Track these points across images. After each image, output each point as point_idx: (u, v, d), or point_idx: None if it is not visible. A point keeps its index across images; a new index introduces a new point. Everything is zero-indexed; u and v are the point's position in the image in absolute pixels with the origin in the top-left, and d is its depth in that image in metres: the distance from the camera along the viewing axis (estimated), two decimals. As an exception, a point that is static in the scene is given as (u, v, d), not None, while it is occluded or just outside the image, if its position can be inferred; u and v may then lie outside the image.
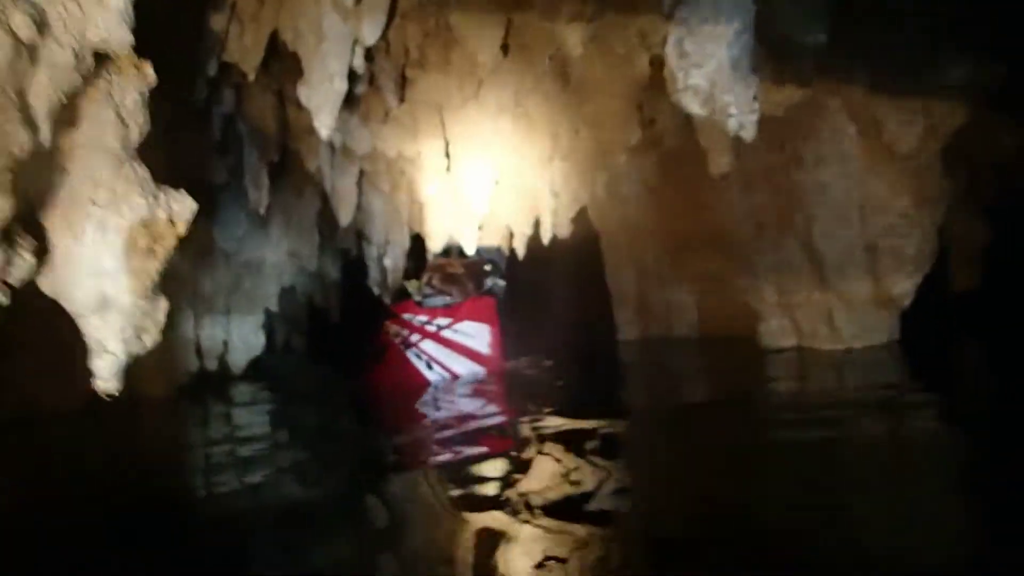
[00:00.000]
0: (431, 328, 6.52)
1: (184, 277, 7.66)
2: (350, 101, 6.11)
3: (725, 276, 7.64)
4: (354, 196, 8.01)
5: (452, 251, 8.12)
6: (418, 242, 9.13)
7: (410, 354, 6.42)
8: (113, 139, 2.27)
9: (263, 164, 7.12)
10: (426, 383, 6.39)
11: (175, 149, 4.78)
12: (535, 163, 7.96)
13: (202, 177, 6.65)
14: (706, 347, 8.30)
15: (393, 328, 6.59)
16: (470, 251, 8.19)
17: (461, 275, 7.38)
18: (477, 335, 6.62)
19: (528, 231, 9.06)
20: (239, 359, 8.92)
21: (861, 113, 5.97)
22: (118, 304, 2.30)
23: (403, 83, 6.87)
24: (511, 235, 8.95)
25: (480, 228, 8.32)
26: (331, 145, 7.41)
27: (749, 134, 4.28)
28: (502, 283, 8.03)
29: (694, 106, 4.28)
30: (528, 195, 8.36)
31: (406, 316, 6.67)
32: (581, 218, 8.70)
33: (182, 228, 2.38)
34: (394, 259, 9.70)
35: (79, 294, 2.26)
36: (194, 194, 2.44)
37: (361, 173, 8.13)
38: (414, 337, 6.51)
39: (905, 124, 5.78)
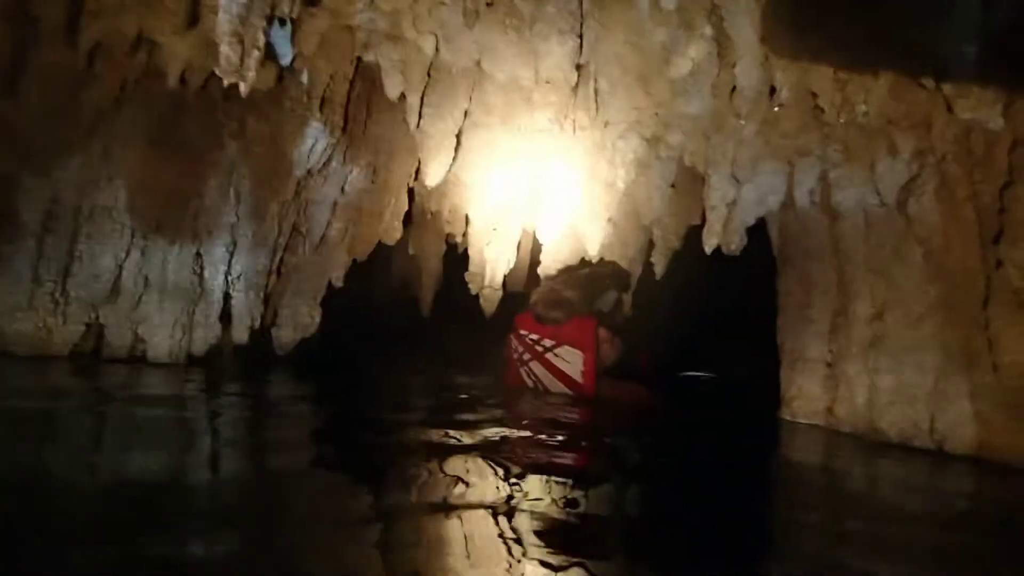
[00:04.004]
0: (539, 348, 6.46)
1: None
2: None
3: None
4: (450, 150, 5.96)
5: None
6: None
7: (523, 373, 6.57)
8: None
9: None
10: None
11: None
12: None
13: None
14: (988, 479, 4.31)
15: (514, 343, 6.71)
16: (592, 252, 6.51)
17: (571, 298, 6.74)
18: (573, 361, 6.29)
19: (677, 241, 6.73)
20: (287, 337, 7.23)
21: None
22: None
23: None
24: (650, 242, 6.68)
25: (610, 221, 6.13)
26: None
27: None
28: (615, 295, 7.18)
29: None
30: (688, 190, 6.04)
31: (523, 332, 6.64)
32: (758, 232, 6.11)
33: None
34: (500, 250, 7.62)
35: None
36: None
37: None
38: (526, 356, 6.54)
39: None
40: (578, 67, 4.07)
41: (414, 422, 4.49)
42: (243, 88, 3.04)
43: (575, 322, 6.44)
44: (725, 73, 4.00)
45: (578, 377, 6.28)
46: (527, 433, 4.21)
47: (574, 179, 5.77)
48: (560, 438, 4.19)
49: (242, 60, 2.96)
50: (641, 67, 4.07)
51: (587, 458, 3.91)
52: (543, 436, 4.17)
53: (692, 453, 4.26)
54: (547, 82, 3.78)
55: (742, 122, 4.16)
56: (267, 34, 3.03)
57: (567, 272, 7.01)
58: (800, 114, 4.21)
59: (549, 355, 6.40)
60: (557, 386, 6.35)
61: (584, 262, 7.06)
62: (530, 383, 6.49)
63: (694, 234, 7.30)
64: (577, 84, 4.19)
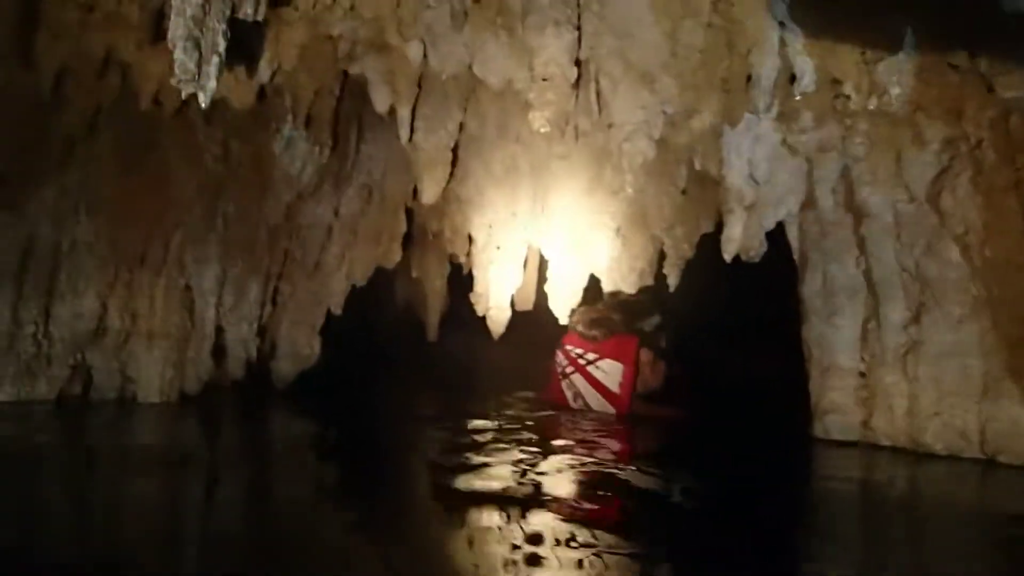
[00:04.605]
0: (581, 361, 6.64)
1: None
2: None
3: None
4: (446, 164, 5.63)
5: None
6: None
7: (564, 385, 6.74)
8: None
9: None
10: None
11: None
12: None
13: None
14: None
15: (559, 356, 6.83)
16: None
17: (612, 317, 6.85)
18: (611, 372, 6.49)
19: (690, 250, 6.39)
20: (286, 370, 6.90)
21: None
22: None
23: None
24: (660, 253, 6.36)
25: (618, 232, 5.79)
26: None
27: None
28: (658, 319, 7.28)
29: None
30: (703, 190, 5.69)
31: (568, 347, 6.79)
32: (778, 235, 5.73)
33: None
34: (505, 269, 7.32)
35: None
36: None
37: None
38: (569, 368, 6.70)
39: None
40: (577, 64, 3.74)
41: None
42: (202, 99, 2.73)
43: (617, 338, 6.66)
44: (737, 63, 3.66)
45: (615, 388, 6.47)
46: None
47: (578, 189, 5.44)
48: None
49: (199, 67, 2.66)
50: (645, 62, 3.74)
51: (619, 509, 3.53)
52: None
53: (733, 490, 3.86)
54: (544, 79, 3.46)
55: (760, 115, 3.81)
56: (227, 38, 2.72)
57: (610, 297, 7.05)
58: (820, 104, 3.86)
59: (590, 367, 6.61)
60: (594, 397, 6.55)
61: (618, 293, 7.01)
62: (569, 395, 6.70)
63: (705, 243, 7.00)
64: (577, 83, 3.87)
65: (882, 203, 4.67)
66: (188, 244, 5.87)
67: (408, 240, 7.96)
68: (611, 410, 6.44)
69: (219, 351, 6.30)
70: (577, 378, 6.67)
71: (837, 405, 5.37)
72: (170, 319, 5.80)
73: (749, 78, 3.54)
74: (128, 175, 5.49)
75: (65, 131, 4.86)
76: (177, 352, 5.86)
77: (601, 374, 6.54)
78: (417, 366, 10.75)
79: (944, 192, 4.29)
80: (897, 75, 3.00)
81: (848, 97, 3.21)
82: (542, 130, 3.63)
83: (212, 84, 2.72)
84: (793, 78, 3.29)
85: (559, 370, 6.80)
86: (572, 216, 5.99)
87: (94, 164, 5.36)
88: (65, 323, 5.56)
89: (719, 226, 6.79)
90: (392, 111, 4.98)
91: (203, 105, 2.74)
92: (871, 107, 3.37)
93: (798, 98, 3.15)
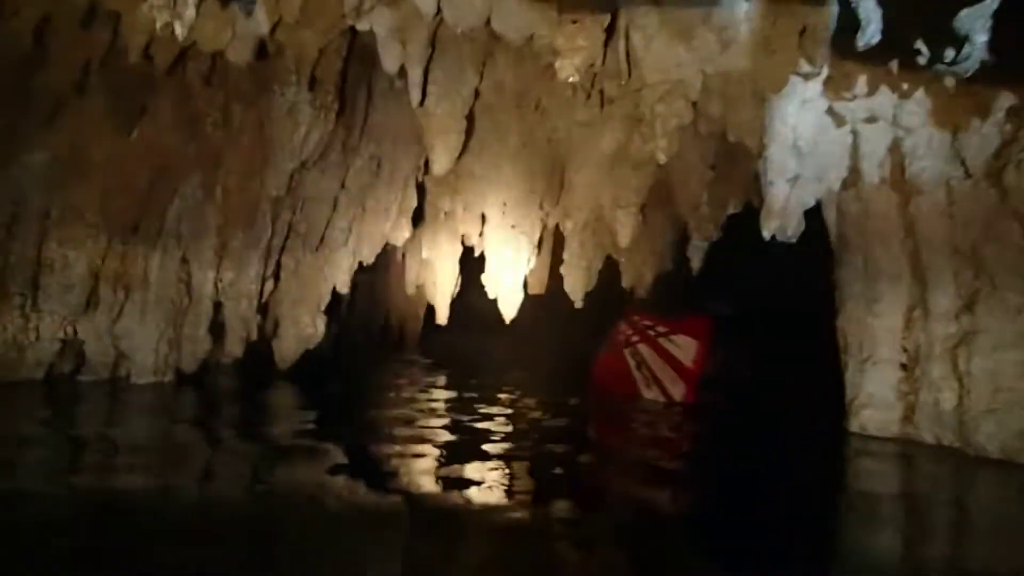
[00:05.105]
0: (651, 333, 6.77)
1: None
2: None
3: None
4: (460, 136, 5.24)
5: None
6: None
7: (628, 352, 6.84)
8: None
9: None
10: (634, 390, 6.67)
11: None
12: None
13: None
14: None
15: (623, 327, 7.00)
16: None
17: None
18: (685, 347, 6.56)
19: (716, 232, 6.01)
20: (288, 349, 6.58)
21: None
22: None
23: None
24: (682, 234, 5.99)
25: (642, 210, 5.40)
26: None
27: None
28: (724, 306, 7.69)
29: None
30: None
31: (635, 317, 6.99)
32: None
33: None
34: (518, 250, 6.99)
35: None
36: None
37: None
38: (635, 338, 6.85)
39: None
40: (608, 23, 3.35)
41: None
42: (179, 30, 2.39)
43: (693, 316, 6.77)
44: (786, 19, 3.26)
45: (688, 363, 6.48)
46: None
47: (602, 161, 5.06)
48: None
49: (177, -9, 2.32)
50: (682, 15, 3.34)
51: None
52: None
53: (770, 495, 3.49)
54: (573, 22, 3.08)
55: (810, 75, 3.39)
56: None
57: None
58: (876, 65, 3.46)
59: (662, 339, 6.68)
60: (662, 369, 6.59)
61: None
62: (632, 362, 6.76)
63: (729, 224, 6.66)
64: (607, 41, 3.48)
65: (935, 179, 4.27)
66: (185, 215, 5.54)
67: (418, 218, 7.63)
68: (680, 385, 6.47)
69: (218, 328, 6.00)
70: (644, 348, 6.76)
71: (875, 399, 4.98)
72: (165, 293, 5.48)
73: (803, 31, 3.14)
74: (121, 140, 5.16)
75: (52, 89, 4.52)
76: (173, 328, 5.55)
77: (675, 348, 6.61)
78: (426, 349, 10.45)
79: (1009, 167, 3.88)
80: (981, 24, 2.60)
81: (917, 52, 2.81)
82: (570, 79, 3.25)
83: (191, 12, 2.38)
84: (852, 30, 2.89)
85: (622, 338, 6.91)
86: (594, 192, 5.59)
87: (84, 126, 5.03)
88: (54, 295, 5.25)
89: (747, 206, 6.46)
90: (403, 72, 4.60)
91: (179, 37, 2.39)
92: (939, 68, 2.96)
93: (860, 49, 2.75)
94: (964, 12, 2.51)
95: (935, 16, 2.57)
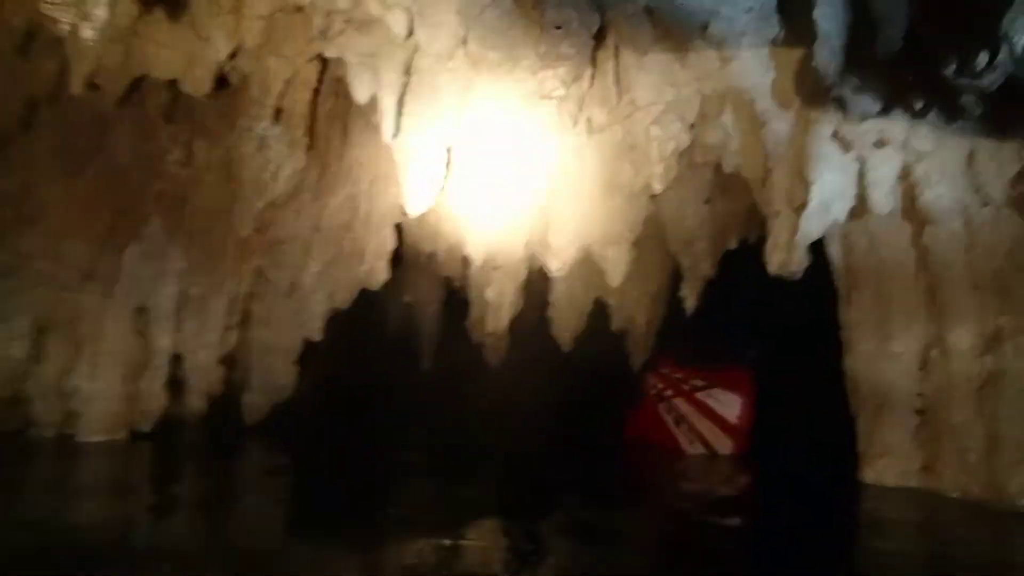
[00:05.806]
0: (686, 387, 6.63)
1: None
2: None
3: None
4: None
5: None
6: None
7: (662, 408, 6.72)
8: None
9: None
10: (675, 446, 6.53)
11: None
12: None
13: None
14: None
15: (652, 380, 6.90)
16: None
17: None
18: (728, 403, 6.40)
19: (711, 268, 5.70)
20: (258, 402, 6.13)
21: None
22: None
23: None
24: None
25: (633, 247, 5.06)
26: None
27: None
28: (754, 354, 7.09)
29: None
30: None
31: (665, 370, 6.86)
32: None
33: None
34: (503, 291, 6.63)
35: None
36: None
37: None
38: (668, 392, 6.72)
39: None
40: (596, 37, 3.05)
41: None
42: (88, 34, 2.03)
43: (730, 368, 6.52)
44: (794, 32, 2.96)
45: (732, 420, 6.30)
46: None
47: (590, 193, 4.73)
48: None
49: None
50: (675, 30, 3.05)
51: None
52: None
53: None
54: (557, 27, 2.78)
55: (820, 84, 3.07)
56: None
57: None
58: (890, 78, 3.16)
59: (700, 394, 6.49)
60: (706, 426, 6.41)
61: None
62: (669, 419, 6.60)
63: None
64: (594, 60, 3.18)
65: (951, 207, 3.97)
66: (143, 260, 5.14)
67: (398, 261, 7.28)
68: (727, 442, 6.31)
69: (179, 382, 5.57)
70: (681, 403, 6.59)
71: (891, 447, 4.61)
72: (119, 346, 5.06)
73: (814, 38, 2.84)
74: (75, 180, 4.80)
75: (-9, 125, 4.16)
76: (127, 384, 5.11)
77: (715, 403, 6.42)
78: (410, 400, 9.96)
79: (1032, 191, 3.59)
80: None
81: (942, 57, 2.50)
82: (555, 93, 2.95)
83: (101, 12, 2.00)
84: (869, 34, 2.58)
85: (653, 393, 6.76)
86: (583, 228, 5.25)
87: (34, 166, 4.67)
88: (-3, 347, 4.83)
89: (743, 242, 6.16)
90: (374, 102, 4.28)
91: (88, 40, 2.02)
92: (963, 82, 2.66)
93: (878, 58, 2.45)
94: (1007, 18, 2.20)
95: (972, 14, 2.27)
